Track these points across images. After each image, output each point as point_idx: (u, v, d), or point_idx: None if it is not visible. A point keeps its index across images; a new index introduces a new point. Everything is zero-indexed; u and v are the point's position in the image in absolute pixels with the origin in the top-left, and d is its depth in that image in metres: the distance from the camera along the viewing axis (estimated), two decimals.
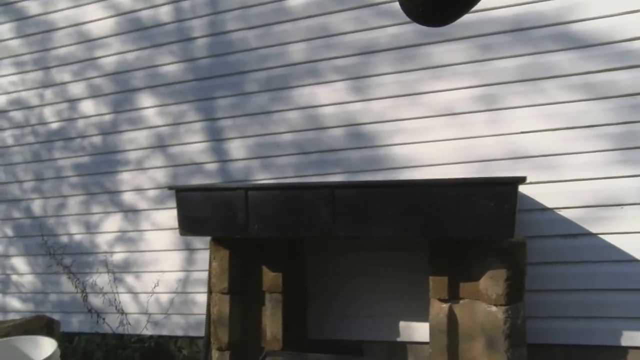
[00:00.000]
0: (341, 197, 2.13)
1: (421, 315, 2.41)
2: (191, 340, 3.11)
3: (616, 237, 2.30)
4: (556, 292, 2.40)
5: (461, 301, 2.17)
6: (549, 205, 2.37)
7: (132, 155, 3.13)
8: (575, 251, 2.35)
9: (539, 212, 2.38)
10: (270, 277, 2.45)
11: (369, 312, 2.71)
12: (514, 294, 2.06)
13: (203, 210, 2.34)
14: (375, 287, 2.68)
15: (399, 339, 2.67)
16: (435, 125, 2.52)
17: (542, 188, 2.37)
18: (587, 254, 2.34)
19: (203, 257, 2.90)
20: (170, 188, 2.79)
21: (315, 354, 2.39)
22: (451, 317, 2.17)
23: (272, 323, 2.42)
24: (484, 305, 2.09)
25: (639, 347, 2.30)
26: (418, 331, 2.61)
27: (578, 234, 2.34)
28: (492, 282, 2.05)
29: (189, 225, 2.42)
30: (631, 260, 2.28)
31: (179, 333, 3.13)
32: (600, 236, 2.31)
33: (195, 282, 3.04)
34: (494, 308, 2.05)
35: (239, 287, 2.45)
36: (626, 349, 2.32)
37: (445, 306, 2.18)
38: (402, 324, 2.66)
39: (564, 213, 2.36)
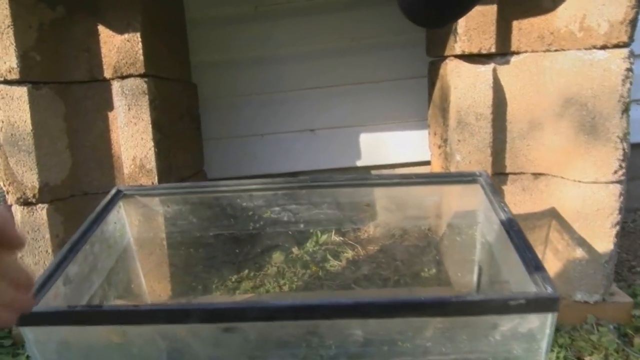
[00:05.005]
0: None
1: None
2: None
3: None
4: None
5: (513, 58, 1.11)
6: None
7: None
8: None
9: None
10: (116, 45, 1.15)
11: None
12: (635, 23, 1.03)
13: None
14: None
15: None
16: None
17: None
18: None
19: None
20: None
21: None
22: (497, 89, 1.11)
23: (132, 141, 1.18)
24: (574, 53, 1.03)
25: None
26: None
27: None
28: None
29: None
30: None
31: None
32: None
33: None
34: (600, 54, 1.01)
35: (48, 72, 1.13)
36: None
37: (486, 69, 1.10)
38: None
39: None
